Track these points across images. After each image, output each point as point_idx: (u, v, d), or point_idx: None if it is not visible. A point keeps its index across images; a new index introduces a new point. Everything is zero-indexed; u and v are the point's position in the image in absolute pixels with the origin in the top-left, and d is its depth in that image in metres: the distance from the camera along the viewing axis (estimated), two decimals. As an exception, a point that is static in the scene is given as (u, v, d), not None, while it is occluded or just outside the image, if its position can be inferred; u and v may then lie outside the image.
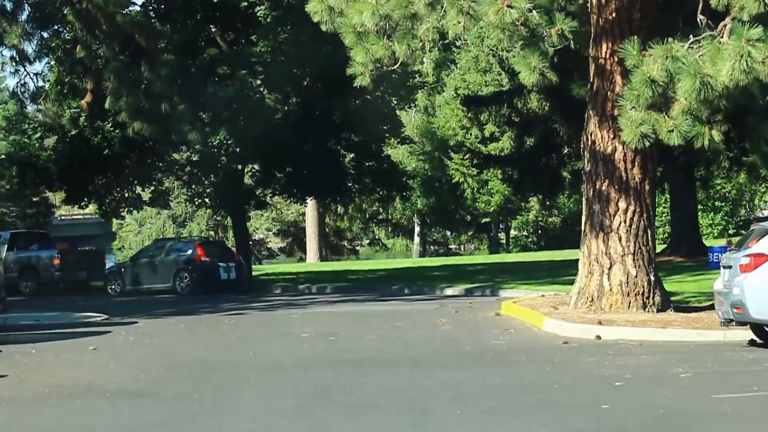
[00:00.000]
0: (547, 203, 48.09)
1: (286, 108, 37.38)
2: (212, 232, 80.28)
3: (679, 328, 18.11)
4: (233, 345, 18.52)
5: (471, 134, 66.65)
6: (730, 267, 16.49)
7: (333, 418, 10.85)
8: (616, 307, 20.52)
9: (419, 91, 43.65)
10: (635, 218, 20.66)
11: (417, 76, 42.21)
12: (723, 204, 65.44)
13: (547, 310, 21.08)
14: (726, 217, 65.48)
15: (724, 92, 16.75)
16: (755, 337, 16.63)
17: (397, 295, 31.43)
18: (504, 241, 73.71)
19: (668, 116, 17.64)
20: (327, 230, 78.99)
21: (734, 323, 16.59)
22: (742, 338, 17.06)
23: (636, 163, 20.64)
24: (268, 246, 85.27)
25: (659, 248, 52.77)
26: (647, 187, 20.75)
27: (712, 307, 19.30)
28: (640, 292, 20.54)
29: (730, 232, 64.38)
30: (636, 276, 20.56)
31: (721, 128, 19.07)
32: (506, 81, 49.13)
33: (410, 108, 40.68)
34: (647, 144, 17.88)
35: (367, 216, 78.35)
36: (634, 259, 20.59)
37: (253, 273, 42.36)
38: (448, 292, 31.05)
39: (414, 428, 10.35)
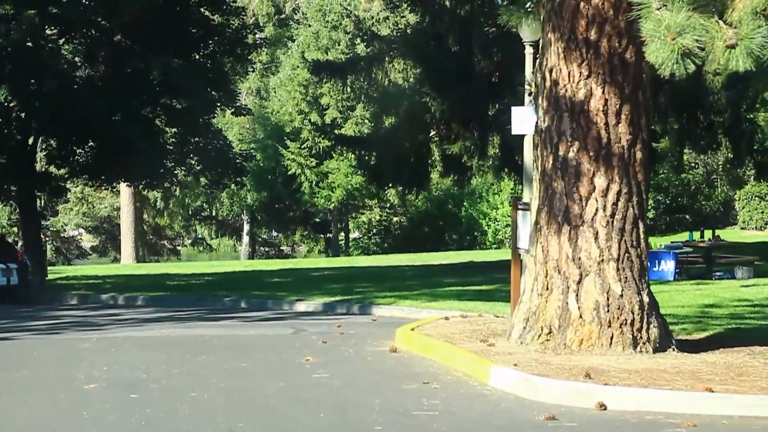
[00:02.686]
0: (407, 195, 40.33)
1: (90, 67, 29.11)
2: (16, 229, 70.65)
3: (733, 392, 10.62)
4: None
5: (309, 120, 58.82)
6: None
7: None
8: (590, 343, 12.99)
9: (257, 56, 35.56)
10: (620, 203, 13.16)
11: (256, 32, 34.35)
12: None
13: (480, 348, 13.48)
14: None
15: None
16: None
17: (232, 310, 23.51)
18: (343, 243, 66.02)
19: (724, 22, 10.27)
20: (145, 227, 70.28)
21: None
22: None
23: (622, 117, 13.16)
24: (80, 244, 75.74)
25: None
26: (638, 156, 13.25)
27: (718, 342, 13.57)
28: (628, 321, 13.03)
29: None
30: (621, 295, 13.05)
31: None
32: (362, 48, 41.18)
33: (247, 74, 32.39)
34: (690, 69, 10.31)
35: (190, 212, 69.82)
36: (618, 268, 13.08)
37: (50, 276, 33.88)
38: (301, 307, 23.23)
39: None
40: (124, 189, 61.18)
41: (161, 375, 12.85)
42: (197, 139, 29.52)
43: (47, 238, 69.46)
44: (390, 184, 37.49)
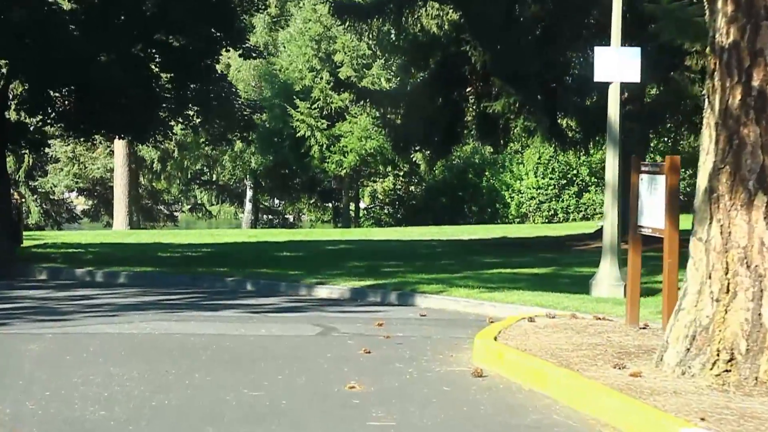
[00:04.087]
0: (436, 161, 35.24)
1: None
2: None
3: None
4: None
5: (322, 78, 53.96)
6: None
7: None
8: (798, 380, 8.36)
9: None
10: None
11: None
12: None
13: (620, 379, 8.77)
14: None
15: None
16: None
17: (236, 294, 18.75)
18: (353, 213, 61.20)
19: None
20: (140, 191, 65.55)
21: None
22: None
23: None
24: (71, 207, 70.84)
25: None
26: None
27: None
28: None
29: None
30: None
31: None
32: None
33: (258, 11, 27.31)
34: None
35: (189, 176, 64.99)
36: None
37: (27, 243, 29.21)
38: (322, 292, 18.44)
39: None
40: (119, 149, 56.52)
41: (123, 414, 8.19)
42: (197, 84, 24.59)
43: (36, 200, 64.95)
44: (416, 147, 32.65)
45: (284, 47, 57.76)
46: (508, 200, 54.80)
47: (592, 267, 19.52)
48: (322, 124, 53.90)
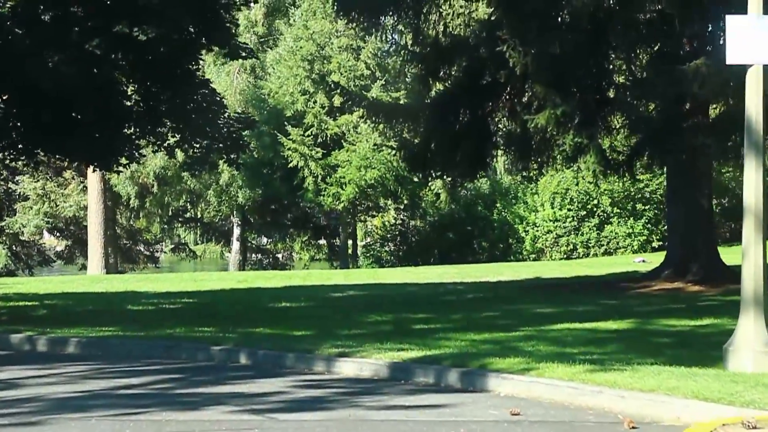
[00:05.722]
0: (459, 186, 29.26)
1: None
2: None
3: None
4: None
5: (315, 102, 48.67)
6: None
7: None
8: None
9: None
10: None
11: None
12: (646, 208, 48.57)
13: None
14: (650, 225, 48.58)
15: None
16: None
17: (225, 372, 13.29)
18: (351, 252, 55.70)
19: None
20: (118, 230, 60.16)
21: None
22: None
23: None
24: (42, 250, 65.11)
25: (647, 264, 35.06)
26: None
27: None
28: None
29: (654, 245, 47.93)
30: None
31: None
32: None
33: (247, 4, 21.84)
34: None
35: (171, 213, 59.55)
36: None
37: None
38: (346, 368, 12.90)
39: None
40: (93, 184, 51.29)
41: None
42: (171, 92, 19.12)
43: (3, 242, 59.57)
44: (438, 172, 27.23)
45: (273, 69, 52.37)
46: (522, 234, 49.34)
47: (681, 318, 17.62)
48: (317, 152, 48.59)
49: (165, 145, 20.68)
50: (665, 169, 26.64)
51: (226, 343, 14.81)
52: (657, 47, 23.60)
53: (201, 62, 21.68)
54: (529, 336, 15.77)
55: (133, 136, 20.09)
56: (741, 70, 12.93)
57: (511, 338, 15.46)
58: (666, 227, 28.47)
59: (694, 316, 17.98)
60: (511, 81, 23.92)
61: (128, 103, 19.92)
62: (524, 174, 28.95)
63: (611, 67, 23.83)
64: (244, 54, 21.05)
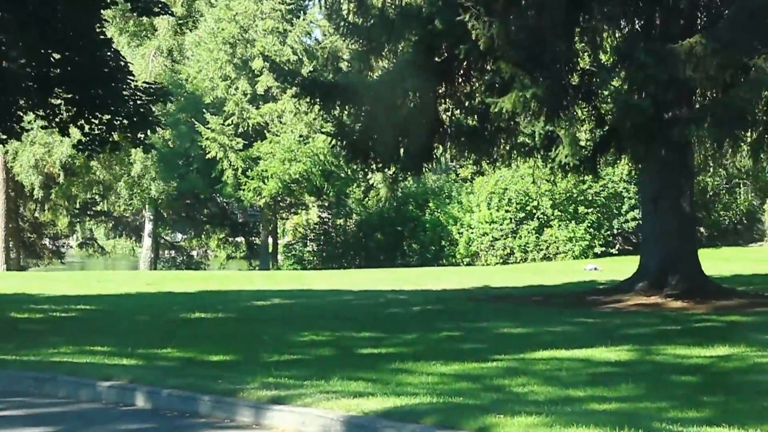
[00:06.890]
0: (403, 180, 25.87)
1: None
2: None
3: None
4: None
5: (237, 89, 44.85)
6: None
7: None
8: None
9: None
10: None
11: None
12: (589, 211, 45.36)
13: None
14: (592, 230, 45.39)
15: None
16: None
17: (114, 423, 9.64)
18: (271, 251, 51.92)
19: None
20: (21, 223, 56.00)
21: None
22: None
23: None
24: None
25: (600, 272, 32.16)
26: None
27: None
28: None
29: (596, 251, 44.80)
30: None
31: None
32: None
33: None
34: None
35: (79, 205, 55.43)
36: None
37: None
38: (284, 422, 9.25)
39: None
40: (-7, 172, 47.32)
41: None
42: (67, 54, 15.26)
43: None
44: (379, 164, 23.59)
45: (192, 52, 48.45)
46: (456, 237, 45.92)
47: (688, 346, 14.24)
48: (238, 143, 44.83)
49: (57, 120, 16.82)
50: (640, 167, 23.21)
51: (118, 377, 11.07)
52: (642, 22, 20.28)
53: (105, 23, 17.79)
54: (512, 369, 12.34)
55: (16, 108, 16.21)
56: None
57: (490, 373, 12.05)
58: (642, 236, 25.05)
59: (703, 343, 14.53)
60: (471, 57, 20.44)
61: (12, 67, 16.03)
62: (475, 169, 25.37)
63: (591, 43, 20.39)
64: (156, 9, 17.27)
